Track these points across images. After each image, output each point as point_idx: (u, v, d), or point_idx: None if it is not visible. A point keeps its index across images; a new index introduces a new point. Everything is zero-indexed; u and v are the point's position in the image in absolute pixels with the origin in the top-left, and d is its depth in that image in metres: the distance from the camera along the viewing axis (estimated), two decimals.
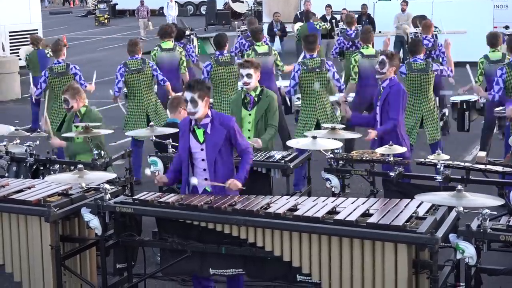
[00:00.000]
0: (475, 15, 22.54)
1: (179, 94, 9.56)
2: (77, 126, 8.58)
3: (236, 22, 33.87)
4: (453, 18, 21.12)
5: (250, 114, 8.52)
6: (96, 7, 45.97)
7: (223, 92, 11.37)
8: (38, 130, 11.18)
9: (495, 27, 22.93)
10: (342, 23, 21.85)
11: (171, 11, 36.04)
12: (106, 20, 41.72)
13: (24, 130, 10.37)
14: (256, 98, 8.53)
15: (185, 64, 12.41)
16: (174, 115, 8.93)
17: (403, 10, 21.41)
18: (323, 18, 21.78)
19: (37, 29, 20.73)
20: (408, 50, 10.89)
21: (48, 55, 14.91)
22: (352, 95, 12.22)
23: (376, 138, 8.65)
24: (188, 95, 6.48)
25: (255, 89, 8.55)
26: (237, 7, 38.64)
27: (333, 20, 22.30)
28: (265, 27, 23.68)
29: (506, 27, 19.78)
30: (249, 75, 8.45)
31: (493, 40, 11.24)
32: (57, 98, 11.39)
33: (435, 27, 15.75)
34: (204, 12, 40.86)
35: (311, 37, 10.61)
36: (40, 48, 15.17)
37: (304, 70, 10.29)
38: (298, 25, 20.57)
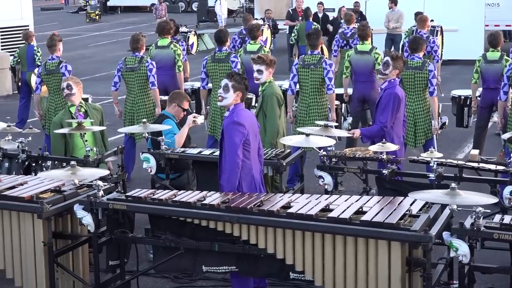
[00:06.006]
0: (466, 13, 22.57)
1: (179, 91, 9.60)
2: (79, 123, 8.22)
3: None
4: (445, 16, 21.15)
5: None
6: (87, 3, 45.75)
7: (216, 88, 11.31)
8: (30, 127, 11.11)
9: (487, 25, 23.00)
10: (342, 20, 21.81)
11: (224, 9, 32.25)
12: (97, 17, 41.57)
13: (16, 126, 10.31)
14: (260, 93, 8.92)
15: (180, 63, 12.19)
16: (168, 108, 8.92)
17: (390, 8, 21.36)
18: (315, 16, 21.75)
19: (28, 25, 20.57)
20: (408, 47, 10.76)
21: (37, 53, 14.89)
22: (350, 90, 12.18)
23: (360, 137, 8.68)
24: (224, 81, 6.66)
25: (263, 84, 8.85)
26: (229, 4, 38.57)
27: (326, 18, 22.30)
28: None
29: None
30: (259, 71, 8.78)
31: (493, 40, 11.21)
32: (53, 93, 11.25)
33: (431, 21, 15.68)
34: (195, 9, 40.75)
35: (313, 35, 10.62)
36: (31, 43, 15.13)
37: (300, 65, 10.35)
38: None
